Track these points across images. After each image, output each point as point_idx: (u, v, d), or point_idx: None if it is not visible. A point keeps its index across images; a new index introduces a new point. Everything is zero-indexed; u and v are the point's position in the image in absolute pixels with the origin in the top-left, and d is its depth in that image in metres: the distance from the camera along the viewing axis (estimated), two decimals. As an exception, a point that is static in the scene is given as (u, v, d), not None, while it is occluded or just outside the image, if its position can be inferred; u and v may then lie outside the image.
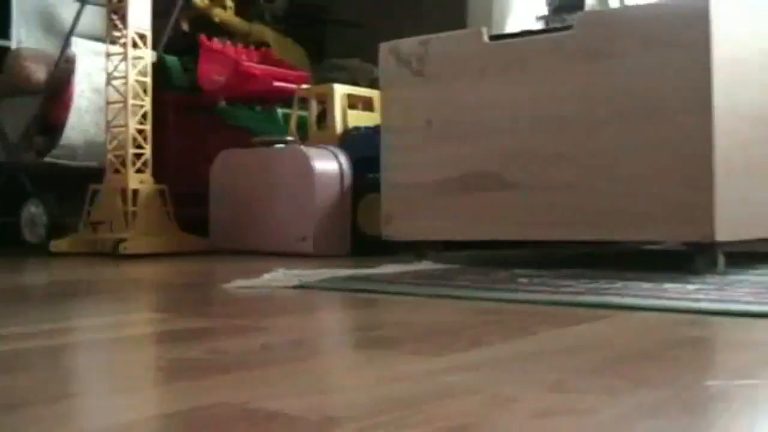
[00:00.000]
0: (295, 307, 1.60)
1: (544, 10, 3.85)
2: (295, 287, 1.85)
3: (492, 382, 0.87)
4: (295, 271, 2.08)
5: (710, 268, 2.01)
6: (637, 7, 2.24)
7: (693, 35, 2.01)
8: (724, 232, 2.00)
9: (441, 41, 2.41)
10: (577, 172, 2.17)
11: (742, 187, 2.09)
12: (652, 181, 2.06)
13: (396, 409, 0.76)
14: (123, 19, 3.35)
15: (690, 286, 1.69)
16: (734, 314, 1.35)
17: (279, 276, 2.00)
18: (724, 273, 1.99)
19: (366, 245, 3.08)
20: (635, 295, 1.56)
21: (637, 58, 2.08)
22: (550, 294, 1.61)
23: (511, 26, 4.17)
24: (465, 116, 2.35)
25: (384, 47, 2.55)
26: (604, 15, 2.20)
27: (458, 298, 1.62)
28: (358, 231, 3.18)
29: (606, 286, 1.73)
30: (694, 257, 2.04)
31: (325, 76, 4.19)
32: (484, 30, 2.34)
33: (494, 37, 2.38)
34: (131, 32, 3.34)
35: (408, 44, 2.47)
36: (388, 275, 2.05)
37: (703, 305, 1.42)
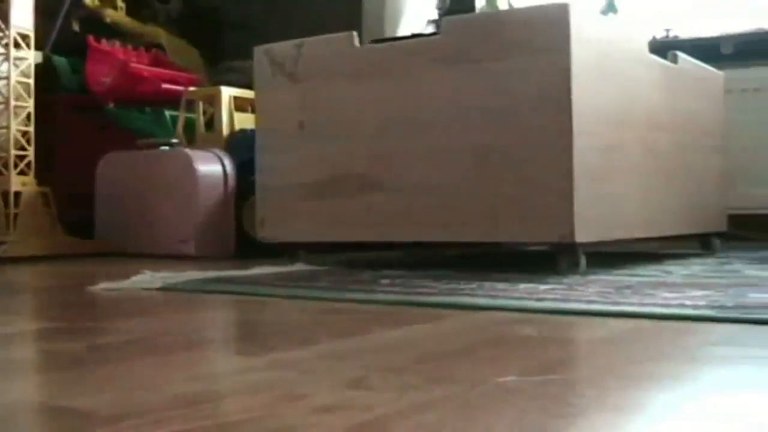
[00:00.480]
0: (148, 308, 1.60)
1: (435, 14, 3.90)
2: (158, 289, 1.85)
3: (295, 379, 0.89)
4: (162, 274, 2.08)
5: (573, 268, 2.06)
6: (500, 12, 2.29)
7: (553, 39, 2.05)
8: (583, 234, 2.06)
9: (314, 44, 2.43)
10: (442, 174, 2.20)
11: (603, 189, 2.15)
12: (514, 183, 2.11)
13: (186, 405, 0.78)
14: (5, 18, 3.29)
15: (542, 286, 1.74)
16: (570, 313, 1.39)
17: (145, 278, 2.00)
18: (586, 273, 2.04)
19: (251, 247, 3.07)
20: (485, 296, 1.59)
21: (501, 62, 2.12)
22: (404, 295, 1.64)
23: (404, 29, 4.22)
24: (336, 119, 2.37)
25: (259, 50, 2.55)
26: (469, 20, 2.24)
27: (313, 298, 1.64)
28: (243, 233, 3.17)
29: (462, 286, 1.76)
30: (557, 258, 2.09)
31: (220, 78, 4.17)
32: (355, 34, 2.36)
33: (375, 41, 2.42)
34: (13, 32, 3.29)
35: (282, 47, 2.48)
36: (253, 277, 2.06)
37: (545, 304, 1.47)
